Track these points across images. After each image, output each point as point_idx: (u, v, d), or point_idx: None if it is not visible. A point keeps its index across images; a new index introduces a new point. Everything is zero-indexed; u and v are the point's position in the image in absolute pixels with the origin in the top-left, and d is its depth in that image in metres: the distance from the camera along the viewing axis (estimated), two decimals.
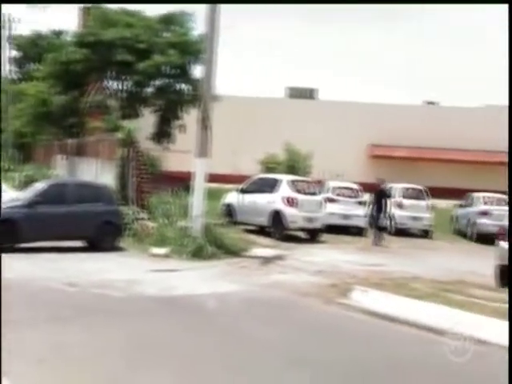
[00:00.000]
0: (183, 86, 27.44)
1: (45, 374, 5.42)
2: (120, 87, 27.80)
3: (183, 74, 27.10)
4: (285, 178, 17.96)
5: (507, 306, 8.91)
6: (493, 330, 7.68)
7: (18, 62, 43.09)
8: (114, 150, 17.19)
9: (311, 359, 6.33)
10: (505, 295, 10.11)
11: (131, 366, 5.83)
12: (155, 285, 9.65)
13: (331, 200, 19.11)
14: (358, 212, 18.72)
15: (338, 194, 19.70)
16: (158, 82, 27.65)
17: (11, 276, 9.09)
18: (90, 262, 11.52)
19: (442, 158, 42.00)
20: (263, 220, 17.14)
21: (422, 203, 20.70)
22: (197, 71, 26.65)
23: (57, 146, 29.61)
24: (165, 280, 10.15)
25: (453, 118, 42.76)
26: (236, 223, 17.37)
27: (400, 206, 20.45)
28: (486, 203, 20.63)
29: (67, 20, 77.96)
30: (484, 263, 12.97)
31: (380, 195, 17.68)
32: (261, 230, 17.38)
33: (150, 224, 14.22)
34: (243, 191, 18.17)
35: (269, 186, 17.49)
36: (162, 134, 28.21)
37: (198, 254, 12.34)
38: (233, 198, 18.48)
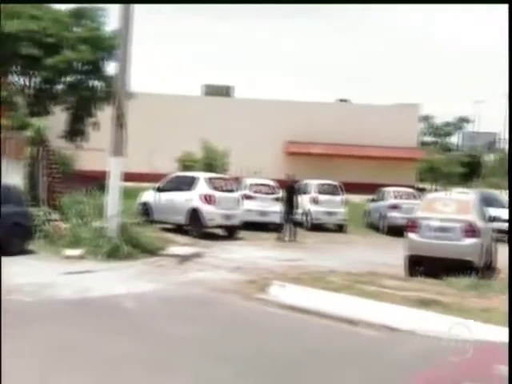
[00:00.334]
0: (96, 82, 26.67)
1: None
2: (27, 83, 26.62)
3: (96, 70, 26.34)
4: (202, 176, 17.91)
5: (415, 293, 9.36)
6: (402, 317, 8.03)
7: None
8: (22, 148, 16.47)
9: (231, 355, 6.35)
10: (413, 283, 10.61)
11: (44, 370, 5.62)
12: (69, 287, 9.34)
13: (248, 197, 19.26)
14: (274, 208, 18.96)
15: (256, 191, 19.89)
16: (69, 79, 26.71)
17: None
18: None
19: (355, 154, 43.36)
20: (181, 218, 17.02)
21: (337, 198, 21.27)
22: (110, 68, 26.02)
23: None
24: (79, 282, 9.85)
25: (365, 115, 44.25)
26: (153, 222, 17.14)
27: (315, 201, 20.92)
28: (396, 197, 21.48)
29: None
30: (394, 255, 13.53)
31: (290, 191, 17.90)
32: (178, 229, 17.25)
33: (63, 225, 13.74)
34: (160, 190, 17.95)
35: (186, 184, 17.38)
36: (75, 132, 27.31)
37: (113, 254, 12.07)
38: (149, 196, 18.22)
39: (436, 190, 37.06)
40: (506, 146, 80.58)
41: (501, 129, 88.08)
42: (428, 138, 68.62)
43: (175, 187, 17.65)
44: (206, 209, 16.68)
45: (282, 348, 6.74)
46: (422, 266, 12.45)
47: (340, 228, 21.08)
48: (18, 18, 25.03)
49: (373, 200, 22.91)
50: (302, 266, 12.44)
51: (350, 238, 19.43)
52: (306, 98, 54.65)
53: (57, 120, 25.77)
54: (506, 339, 7.13)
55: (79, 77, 26.68)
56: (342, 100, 48.90)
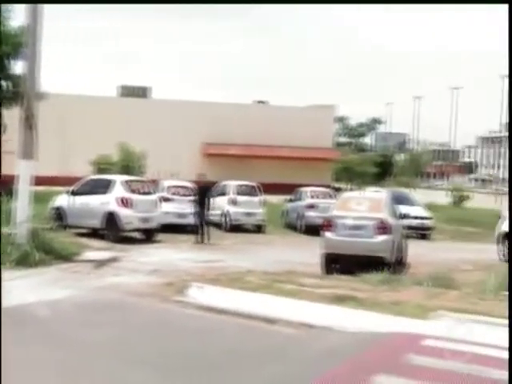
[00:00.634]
0: (2, 82, 25.43)
1: None
2: None
3: (0, 68, 25.10)
4: (118, 179, 17.53)
5: (332, 290, 9.58)
6: (319, 314, 8.20)
7: None
8: None
9: (148, 358, 6.25)
10: (330, 281, 10.87)
11: None
12: None
13: (166, 199, 19.06)
14: (193, 210, 18.85)
15: (174, 193, 19.71)
16: None
17: None
18: None
19: (273, 155, 43.96)
20: (96, 222, 16.58)
21: (255, 199, 21.46)
22: (18, 66, 24.88)
23: None
24: None
25: (282, 116, 44.94)
26: (67, 227, 16.61)
27: (234, 202, 21.01)
28: (312, 197, 21.96)
29: None
30: (312, 253, 13.81)
31: (203, 192, 17.74)
32: (94, 233, 16.79)
33: None
34: (74, 193, 17.40)
35: (102, 187, 16.95)
36: None
37: (23, 261, 11.54)
38: (63, 200, 17.63)
39: (351, 190, 38.18)
40: (415, 146, 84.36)
41: (410, 129, 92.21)
42: (343, 139, 70.66)
43: (90, 190, 17.18)
44: (123, 212, 16.34)
45: (198, 349, 6.70)
46: (338, 263, 12.79)
47: (259, 229, 21.27)
48: None
49: (290, 200, 23.29)
50: (221, 267, 12.44)
51: (268, 238, 19.65)
52: (223, 100, 54.68)
53: None
54: (417, 330, 7.45)
55: None
56: (259, 101, 49.46)
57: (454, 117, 77.46)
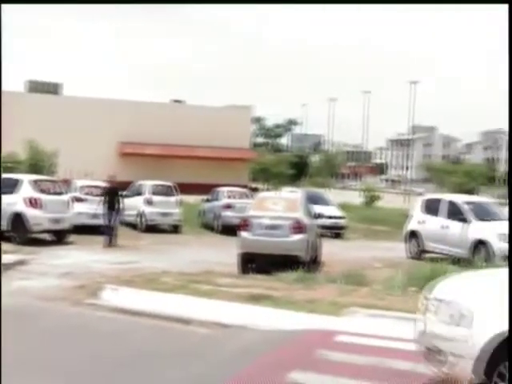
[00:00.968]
0: None
1: None
2: None
3: None
4: (26, 178, 16.77)
5: (247, 290, 9.62)
6: (234, 313, 8.20)
7: None
8: None
9: (58, 363, 6.01)
10: (246, 280, 10.91)
11: None
12: None
13: (79, 199, 18.44)
14: (102, 211, 18.29)
15: (87, 193, 19.11)
16: None
17: None
18: None
19: (190, 154, 43.68)
20: (2, 224, 15.77)
21: (172, 199, 21.20)
22: None
23: None
24: None
25: (200, 116, 44.75)
26: None
27: (149, 202, 20.66)
28: (229, 197, 21.97)
29: None
30: (228, 253, 13.81)
31: (112, 192, 17.10)
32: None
33: None
34: None
35: (8, 187, 16.11)
36: None
37: None
38: None
39: (268, 190, 38.60)
40: (330, 147, 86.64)
41: (325, 131, 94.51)
42: (260, 139, 71.39)
43: None
44: (31, 213, 15.66)
45: (109, 352, 6.51)
46: (254, 262, 12.86)
47: (175, 229, 21.03)
48: None
49: (207, 200, 23.20)
50: (136, 268, 12.19)
51: (185, 238, 19.46)
52: (140, 98, 53.68)
53: None
54: (330, 326, 7.61)
55: None
56: (176, 101, 48.97)
57: (365, 119, 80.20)
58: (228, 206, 21.26)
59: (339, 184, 76.51)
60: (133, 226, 20.58)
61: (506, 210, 16.32)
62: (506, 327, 4.74)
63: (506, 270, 5.60)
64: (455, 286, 5.45)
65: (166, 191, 21.52)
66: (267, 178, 47.32)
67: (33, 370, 5.88)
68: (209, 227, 22.04)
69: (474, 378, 4.86)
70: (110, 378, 5.78)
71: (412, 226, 16.80)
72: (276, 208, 13.17)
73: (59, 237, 16.54)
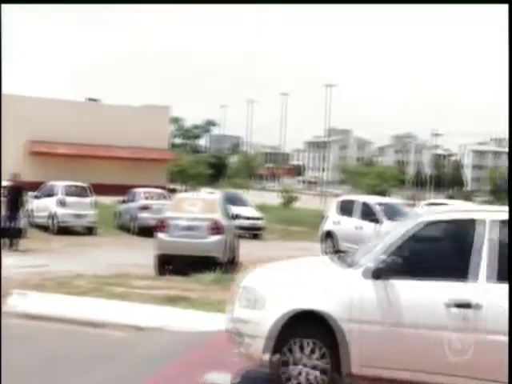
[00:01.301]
0: None
1: None
2: None
3: None
4: None
5: (164, 292, 9.50)
6: (150, 316, 8.07)
7: None
8: None
9: None
10: (162, 282, 10.77)
11: None
12: None
13: None
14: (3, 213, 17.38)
15: None
16: None
17: None
18: None
19: (106, 155, 42.61)
20: None
21: (86, 200, 20.60)
22: None
23: None
24: None
25: (116, 115, 43.77)
26: None
27: (62, 203, 19.98)
28: (146, 198, 21.63)
29: None
30: (145, 255, 13.58)
31: (14, 192, 16.14)
32: None
33: None
34: None
35: None
36: None
37: None
38: None
39: (186, 191, 38.36)
40: (249, 149, 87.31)
41: (244, 132, 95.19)
42: (178, 140, 70.80)
43: None
44: None
45: (18, 359, 6.23)
46: (172, 264, 12.73)
47: (90, 231, 20.46)
48: None
49: (123, 201, 22.73)
50: (47, 271, 11.75)
51: (100, 240, 18.97)
52: (54, 96, 51.84)
53: None
54: None
55: None
56: (91, 99, 47.65)
57: (283, 121, 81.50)
58: (145, 207, 20.92)
59: (258, 185, 77.23)
60: (44, 228, 19.82)
61: (413, 210, 17.06)
62: (292, 307, 5.30)
63: (303, 259, 6.74)
64: (256, 274, 5.88)
65: (79, 192, 20.89)
66: (185, 179, 47.04)
67: None
68: (125, 229, 21.60)
69: (265, 355, 5.27)
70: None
71: (327, 226, 17.20)
72: (193, 209, 13.09)
73: None
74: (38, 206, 20.17)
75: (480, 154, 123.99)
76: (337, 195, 38.19)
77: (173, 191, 34.09)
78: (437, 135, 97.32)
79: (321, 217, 19.62)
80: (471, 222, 5.36)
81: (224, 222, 13.23)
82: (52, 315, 7.98)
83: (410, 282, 5.27)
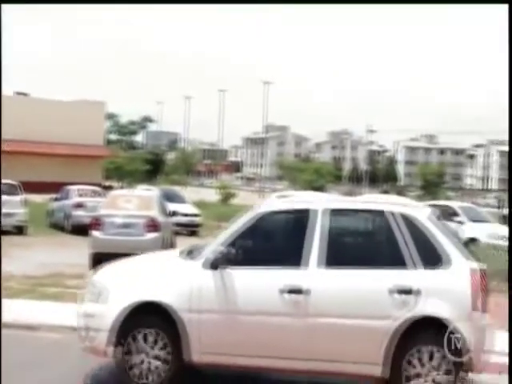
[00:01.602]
0: None
1: None
2: None
3: None
4: None
5: None
6: None
7: None
8: None
9: None
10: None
11: None
12: None
13: None
14: None
15: None
16: None
17: None
18: None
19: (38, 151, 41.26)
20: None
21: (16, 199, 19.85)
22: None
23: None
24: None
25: (48, 110, 42.42)
26: None
27: None
28: (81, 195, 21.12)
29: None
30: (79, 253, 13.27)
31: None
32: None
33: None
34: None
35: None
36: None
37: None
38: None
39: (122, 188, 37.67)
40: (186, 145, 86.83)
41: (181, 129, 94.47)
42: (114, 136, 69.40)
43: None
44: None
45: None
46: (107, 262, 12.48)
47: (20, 230, 19.76)
48: None
49: (56, 199, 22.11)
50: None
51: (31, 240, 18.35)
52: None
53: None
54: None
55: None
56: (19, 93, 45.95)
57: (221, 118, 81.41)
58: (79, 205, 20.41)
59: (195, 182, 76.81)
60: None
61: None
62: (134, 299, 5.43)
63: (156, 254, 6.93)
64: (104, 270, 6.00)
65: (8, 190, 20.09)
66: (121, 176, 46.16)
67: None
68: (58, 227, 21.01)
69: (109, 347, 5.39)
70: None
71: None
72: (129, 206, 12.91)
73: None
74: None
75: (412, 150, 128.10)
76: (275, 191, 38.51)
77: (109, 188, 33.40)
78: (371, 132, 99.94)
79: None
80: (305, 212, 5.56)
81: (161, 219, 13.10)
82: None
83: (246, 271, 5.43)
